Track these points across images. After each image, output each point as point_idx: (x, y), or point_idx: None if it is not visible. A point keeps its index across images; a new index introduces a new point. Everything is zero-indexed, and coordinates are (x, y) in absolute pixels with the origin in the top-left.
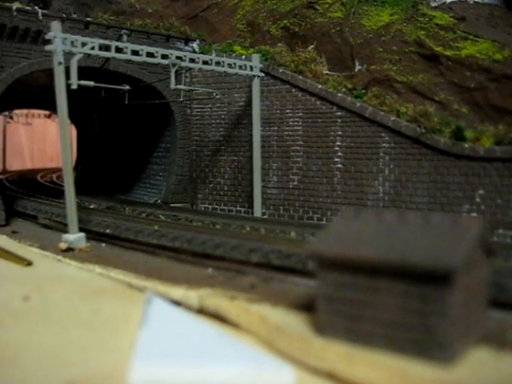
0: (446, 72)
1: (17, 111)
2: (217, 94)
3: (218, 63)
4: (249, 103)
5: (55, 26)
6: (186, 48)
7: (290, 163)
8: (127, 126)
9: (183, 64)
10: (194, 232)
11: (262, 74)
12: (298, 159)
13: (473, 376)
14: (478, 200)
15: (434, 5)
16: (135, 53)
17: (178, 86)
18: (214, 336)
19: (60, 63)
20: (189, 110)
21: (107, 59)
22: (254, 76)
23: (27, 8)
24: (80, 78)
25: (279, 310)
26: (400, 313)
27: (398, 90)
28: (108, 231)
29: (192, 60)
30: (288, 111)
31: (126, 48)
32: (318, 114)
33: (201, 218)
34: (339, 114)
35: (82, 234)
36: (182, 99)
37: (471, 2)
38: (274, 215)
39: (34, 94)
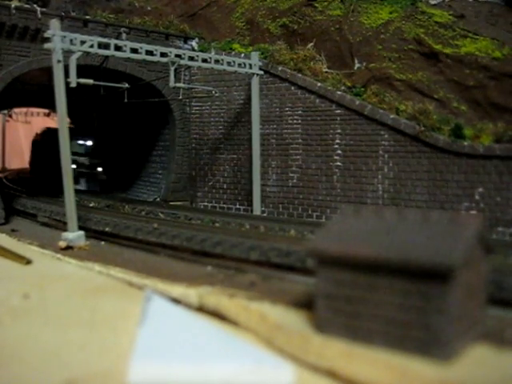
0: (446, 70)
1: (16, 110)
2: (216, 92)
3: (217, 61)
4: (248, 101)
5: (54, 24)
6: (185, 46)
7: (289, 161)
8: (126, 124)
9: (182, 62)
10: (194, 230)
11: (261, 72)
12: (297, 157)
13: (472, 373)
14: (477, 198)
15: (433, 2)
16: (134, 51)
17: (177, 84)
18: (213, 334)
19: (59, 61)
20: (188, 108)
21: (106, 57)
22: (253, 74)
23: (26, 6)
24: (79, 76)
25: (279, 307)
26: (399, 310)
27: (397, 88)
28: (107, 229)
29: (191, 58)
30: (287, 109)
31: (125, 46)
32: (317, 112)
33: (200, 216)
34: (338, 111)
35: (82, 232)
36: (181, 97)
37: None
38: (274, 213)
39: (33, 92)
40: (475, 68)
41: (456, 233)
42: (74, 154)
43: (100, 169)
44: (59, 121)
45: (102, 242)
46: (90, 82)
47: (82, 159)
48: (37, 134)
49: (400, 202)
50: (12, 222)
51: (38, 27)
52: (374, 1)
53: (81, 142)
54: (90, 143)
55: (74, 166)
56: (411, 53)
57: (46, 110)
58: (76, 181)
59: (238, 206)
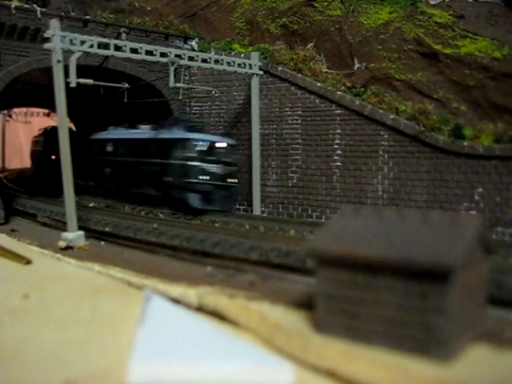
0: (445, 70)
1: (16, 110)
2: (216, 93)
3: (216, 61)
4: (248, 101)
5: (54, 24)
6: (185, 46)
7: (289, 161)
8: (126, 123)
9: (182, 62)
10: (193, 230)
11: (261, 72)
12: (297, 157)
13: (471, 373)
14: (476, 198)
15: (433, 3)
16: (134, 51)
17: (177, 84)
18: (213, 334)
19: (59, 61)
20: (188, 109)
21: (106, 57)
22: (253, 74)
23: (26, 6)
24: (79, 76)
25: (278, 307)
26: (399, 310)
27: (397, 88)
28: (107, 229)
29: (191, 58)
30: (287, 109)
31: (125, 46)
32: (317, 112)
33: (200, 216)
34: (338, 112)
35: (81, 233)
36: (181, 97)
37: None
38: (273, 213)
39: (33, 92)
40: (475, 68)
41: (456, 233)
42: (202, 160)
43: (233, 180)
44: (59, 121)
45: (102, 242)
46: (90, 82)
47: (214, 168)
48: (43, 132)
49: (400, 202)
50: (12, 221)
51: (38, 27)
52: (373, 1)
53: (200, 143)
54: (223, 145)
55: (206, 178)
56: (411, 53)
57: (46, 110)
58: (208, 199)
59: (237, 206)
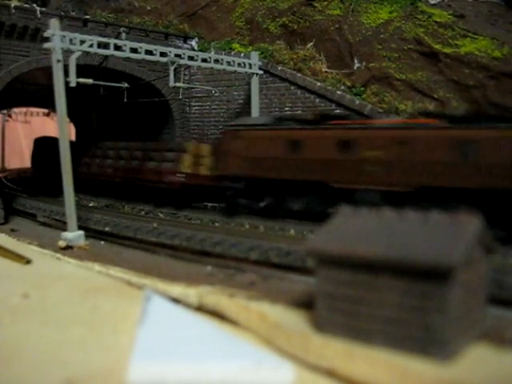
0: (445, 69)
1: (15, 109)
2: (215, 92)
3: (216, 61)
4: (248, 101)
5: (54, 23)
6: (185, 46)
7: None
8: (126, 123)
9: (182, 62)
10: (193, 230)
11: (261, 72)
12: None
13: (472, 373)
14: None
15: (432, 2)
16: (134, 50)
17: (177, 84)
18: (213, 333)
19: (59, 61)
20: (188, 108)
21: (106, 57)
22: (253, 74)
23: (26, 6)
24: (79, 76)
25: (278, 307)
26: (399, 310)
27: (397, 88)
28: (107, 229)
29: (191, 58)
30: (287, 109)
31: (125, 46)
32: (317, 112)
33: (200, 215)
34: (338, 111)
35: (81, 232)
36: (180, 97)
37: None
38: None
39: (33, 92)
40: (475, 68)
41: (456, 232)
42: None
43: None
44: (59, 120)
45: (102, 242)
46: (90, 81)
47: None
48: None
49: None
50: (12, 221)
51: (38, 27)
52: (373, 0)
53: None
54: None
55: None
56: (411, 52)
57: (46, 110)
58: None
59: None
